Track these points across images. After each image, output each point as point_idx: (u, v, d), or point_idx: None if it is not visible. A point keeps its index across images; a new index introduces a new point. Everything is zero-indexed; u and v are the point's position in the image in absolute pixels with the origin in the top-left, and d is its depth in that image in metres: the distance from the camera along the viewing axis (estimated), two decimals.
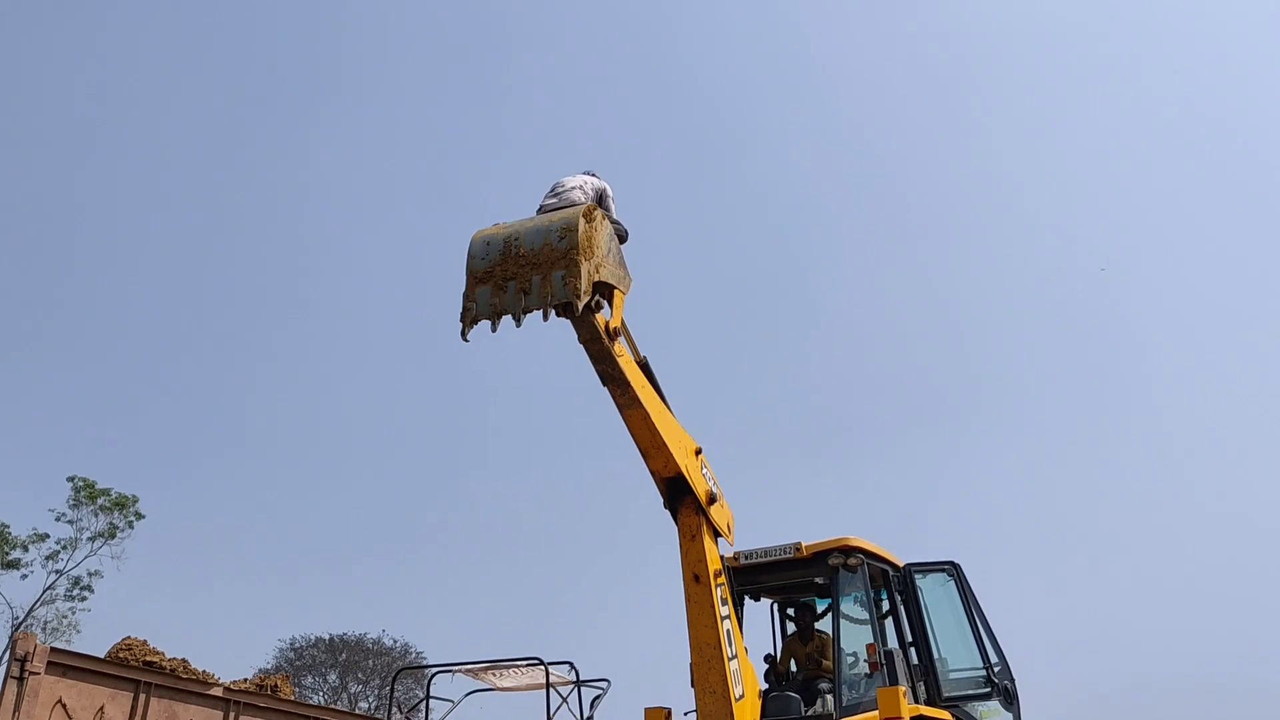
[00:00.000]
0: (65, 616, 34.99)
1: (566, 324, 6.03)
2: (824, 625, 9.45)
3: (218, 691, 8.50)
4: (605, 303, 6.27)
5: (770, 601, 10.01)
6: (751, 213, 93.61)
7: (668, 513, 7.07)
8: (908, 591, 9.25)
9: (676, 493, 6.96)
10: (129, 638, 8.80)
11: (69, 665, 7.50)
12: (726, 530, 7.36)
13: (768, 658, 9.45)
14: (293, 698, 9.85)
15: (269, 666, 37.29)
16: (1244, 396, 77.50)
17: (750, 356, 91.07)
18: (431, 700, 11.80)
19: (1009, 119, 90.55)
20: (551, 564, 74.56)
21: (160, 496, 72.01)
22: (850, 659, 8.75)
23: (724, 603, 6.95)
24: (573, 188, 6.92)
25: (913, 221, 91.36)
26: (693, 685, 6.94)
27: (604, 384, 6.43)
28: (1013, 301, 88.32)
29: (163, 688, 8.07)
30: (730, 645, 6.87)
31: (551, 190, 6.93)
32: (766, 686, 8.79)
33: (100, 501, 35.58)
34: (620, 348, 6.44)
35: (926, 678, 8.89)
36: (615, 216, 7.04)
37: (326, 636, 39.76)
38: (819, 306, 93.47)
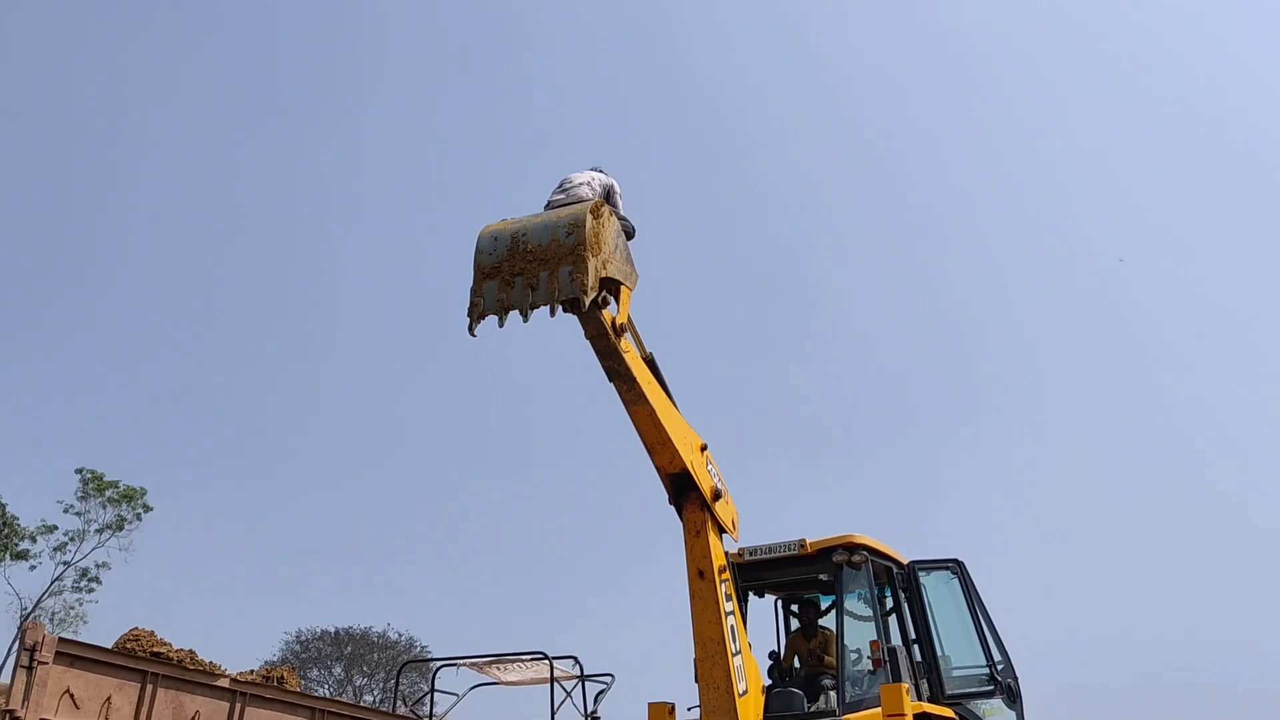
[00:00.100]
0: (73, 608, 35.17)
1: (573, 320, 6.04)
2: (827, 622, 9.46)
3: (224, 683, 8.54)
4: (612, 299, 6.28)
5: (774, 598, 10.03)
6: (756, 211, 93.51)
7: (673, 509, 7.08)
8: (911, 589, 9.25)
9: (682, 489, 6.97)
10: (136, 629, 8.83)
11: (77, 655, 7.54)
12: (731, 526, 7.37)
13: (772, 654, 9.47)
14: (298, 690, 9.89)
15: (275, 659, 37.41)
16: (1246, 395, 77.36)
17: (755, 353, 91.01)
18: (436, 694, 11.83)
19: (1008, 119, 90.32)
20: (557, 559, 74.70)
21: (168, 489, 72.34)
22: (854, 655, 8.76)
23: (728, 599, 6.96)
24: (580, 184, 6.92)
25: (915, 221, 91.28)
26: (696, 680, 6.95)
27: (610, 380, 6.43)
28: (1015, 301, 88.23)
29: (170, 678, 8.10)
30: (734, 641, 6.88)
31: (559, 186, 6.94)
32: (770, 682, 8.81)
33: (108, 494, 35.69)
34: (627, 344, 6.45)
35: (929, 675, 8.89)
36: (622, 213, 7.04)
37: (332, 630, 39.89)
38: (824, 304, 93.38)
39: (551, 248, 5.80)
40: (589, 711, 10.35)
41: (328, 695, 33.21)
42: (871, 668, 8.49)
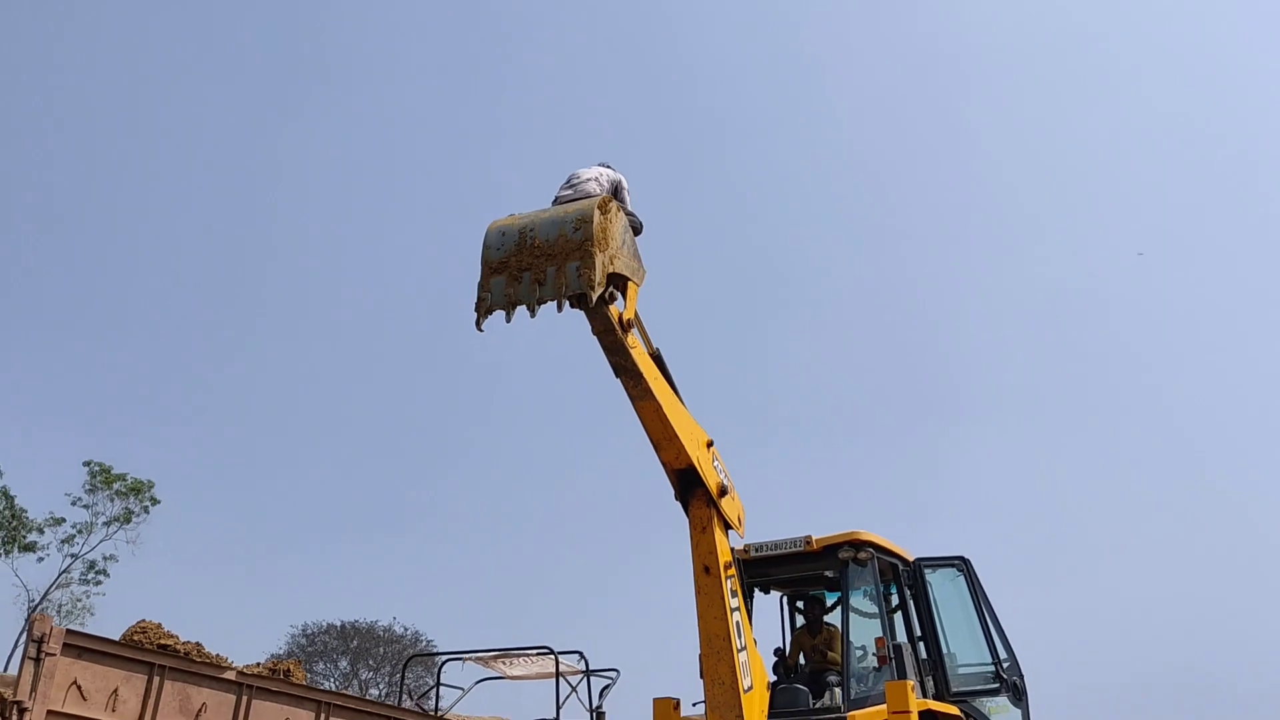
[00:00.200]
0: (80, 600, 35.34)
1: (580, 315, 6.03)
2: (832, 619, 9.47)
3: (231, 675, 8.55)
4: (619, 294, 6.28)
5: (780, 594, 10.03)
6: (762, 206, 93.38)
7: (679, 504, 7.08)
8: (917, 586, 9.25)
9: (688, 484, 6.96)
10: (143, 621, 8.86)
11: (84, 647, 7.55)
12: (737, 523, 7.37)
13: (777, 650, 9.47)
14: (305, 683, 9.92)
15: (281, 652, 37.50)
16: (1248, 392, 77.22)
17: (762, 349, 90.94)
18: (442, 687, 11.87)
19: (1009, 116, 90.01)
20: (562, 555, 74.80)
21: (176, 483, 72.54)
22: (859, 652, 8.76)
23: (734, 595, 6.96)
24: (588, 179, 6.92)
25: (920, 216, 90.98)
26: (701, 676, 6.95)
27: (617, 375, 6.43)
28: (1017, 298, 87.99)
29: (177, 670, 8.11)
30: (739, 637, 6.88)
31: (567, 181, 6.94)
32: (775, 679, 8.82)
33: (116, 487, 35.83)
34: (633, 339, 6.44)
35: (935, 672, 8.89)
36: (630, 208, 7.03)
37: (338, 623, 39.99)
38: (828, 299, 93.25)
39: (559, 243, 5.80)
40: (594, 706, 10.38)
41: (334, 689, 33.26)
42: (877, 664, 8.49)
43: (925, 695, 8.47)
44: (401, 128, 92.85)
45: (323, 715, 9.26)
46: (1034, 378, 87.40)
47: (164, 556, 56.83)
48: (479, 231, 6.11)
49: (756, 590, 9.51)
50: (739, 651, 6.81)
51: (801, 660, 9.42)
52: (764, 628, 9.45)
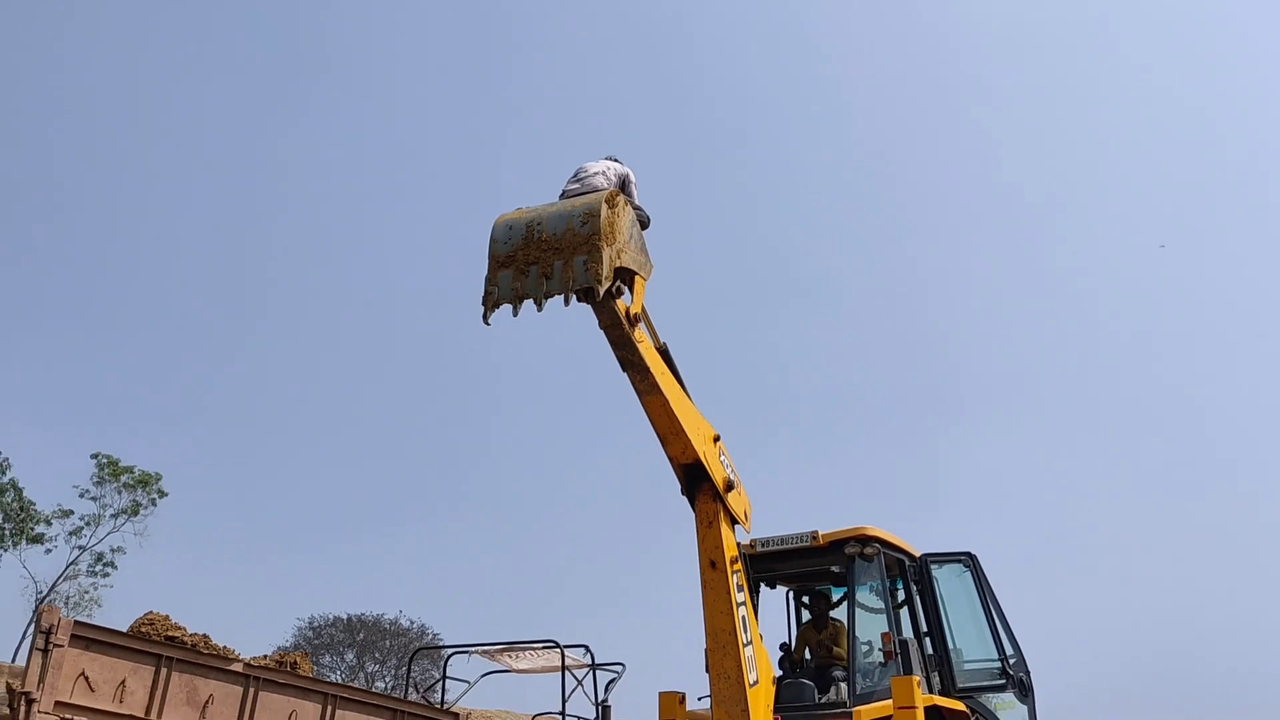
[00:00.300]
0: (88, 592, 35.44)
1: (587, 309, 6.03)
2: (838, 614, 9.46)
3: (238, 667, 8.58)
4: (626, 288, 6.27)
5: (786, 589, 10.03)
6: (770, 201, 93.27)
7: (685, 499, 7.08)
8: (924, 581, 9.24)
9: (694, 479, 6.96)
10: (151, 613, 8.88)
11: (92, 639, 7.58)
12: (743, 518, 7.37)
13: (783, 645, 9.48)
14: (311, 675, 9.94)
15: (288, 644, 37.62)
16: (1256, 386, 77.06)
17: (768, 344, 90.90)
18: (448, 681, 11.91)
19: (1017, 108, 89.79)
20: (568, 548, 74.92)
21: (183, 475, 72.78)
22: (865, 648, 8.76)
23: (740, 589, 6.95)
24: (596, 173, 6.91)
25: (928, 211, 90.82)
26: (707, 670, 6.96)
27: (624, 369, 6.42)
28: (1020, 294, 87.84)
29: (184, 662, 8.15)
30: (745, 631, 6.88)
31: (574, 175, 6.93)
32: (781, 673, 8.82)
33: (124, 479, 35.91)
34: (640, 334, 6.43)
35: (941, 668, 8.89)
36: (637, 203, 7.03)
37: (344, 616, 40.05)
38: (836, 294, 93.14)
39: (566, 237, 5.79)
40: (599, 700, 10.40)
41: (340, 681, 33.38)
42: (882, 660, 8.50)
43: (931, 691, 8.47)
44: (408, 121, 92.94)
45: (329, 707, 9.30)
46: (1037, 374, 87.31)
47: (171, 549, 57.15)
48: (485, 226, 6.12)
49: (762, 585, 9.51)
50: (745, 646, 6.81)
51: (807, 655, 9.42)
52: (770, 623, 9.46)
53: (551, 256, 5.79)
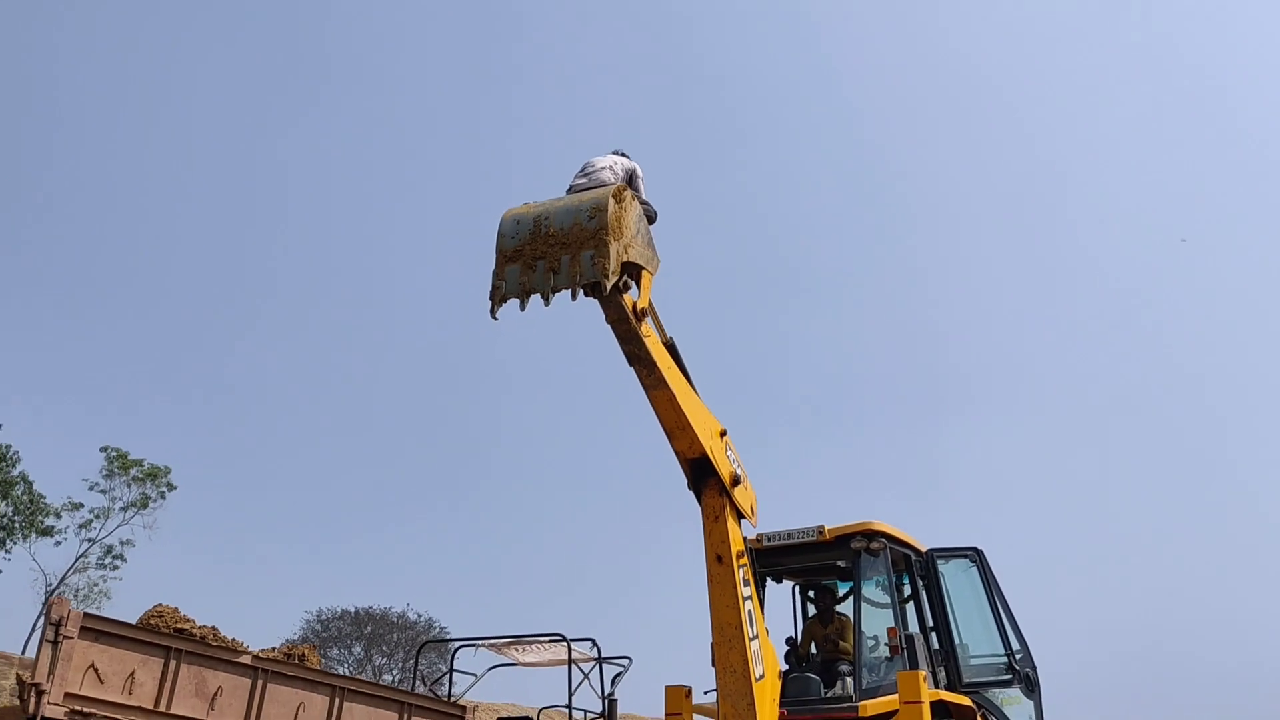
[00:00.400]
0: (97, 584, 35.55)
1: (594, 304, 6.03)
2: (844, 608, 9.47)
3: (246, 659, 8.63)
4: (633, 283, 6.27)
5: (792, 584, 10.04)
6: (778, 195, 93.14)
7: (691, 494, 7.08)
8: (930, 576, 9.24)
9: (700, 474, 6.96)
10: (160, 605, 8.93)
11: (101, 631, 7.63)
12: (750, 512, 7.37)
13: (789, 640, 9.49)
14: (319, 668, 9.99)
15: (296, 637, 37.69)
16: (1262, 383, 76.87)
17: (775, 338, 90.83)
18: (455, 674, 11.93)
19: (1018, 105, 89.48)
20: (575, 542, 74.98)
21: (192, 468, 73.00)
22: (871, 642, 8.77)
23: (746, 584, 6.96)
24: (603, 168, 6.91)
25: (931, 207, 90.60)
26: (713, 664, 6.97)
27: (630, 364, 6.43)
28: (1026, 290, 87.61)
29: (193, 654, 8.20)
30: (751, 625, 6.89)
31: (582, 170, 6.93)
32: (787, 668, 8.83)
33: (133, 472, 36.02)
34: (647, 328, 6.43)
35: (947, 663, 8.88)
36: (644, 197, 7.03)
37: (352, 609, 40.15)
38: (840, 289, 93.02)
39: (573, 231, 5.79)
40: (606, 694, 10.40)
41: (347, 674, 33.47)
42: (888, 655, 8.50)
43: (937, 686, 8.47)
44: (416, 115, 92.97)
45: (337, 700, 9.35)
46: (1039, 369, 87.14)
47: (180, 542, 57.23)
48: (493, 220, 6.12)
49: (769, 579, 9.52)
50: (751, 640, 6.82)
51: (813, 649, 9.43)
52: (776, 617, 9.47)
53: (559, 251, 5.80)
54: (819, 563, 9.27)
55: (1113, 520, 73.49)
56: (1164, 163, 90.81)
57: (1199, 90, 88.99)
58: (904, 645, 8.33)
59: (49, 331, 67.69)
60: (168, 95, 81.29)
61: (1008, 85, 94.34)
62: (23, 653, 27.17)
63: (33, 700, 7.00)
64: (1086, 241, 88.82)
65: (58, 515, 34.77)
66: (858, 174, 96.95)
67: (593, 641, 11.16)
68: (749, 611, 6.91)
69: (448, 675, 12.05)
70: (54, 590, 34.06)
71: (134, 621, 8.35)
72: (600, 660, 11.00)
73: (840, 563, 9.08)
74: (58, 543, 35.03)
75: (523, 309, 5.86)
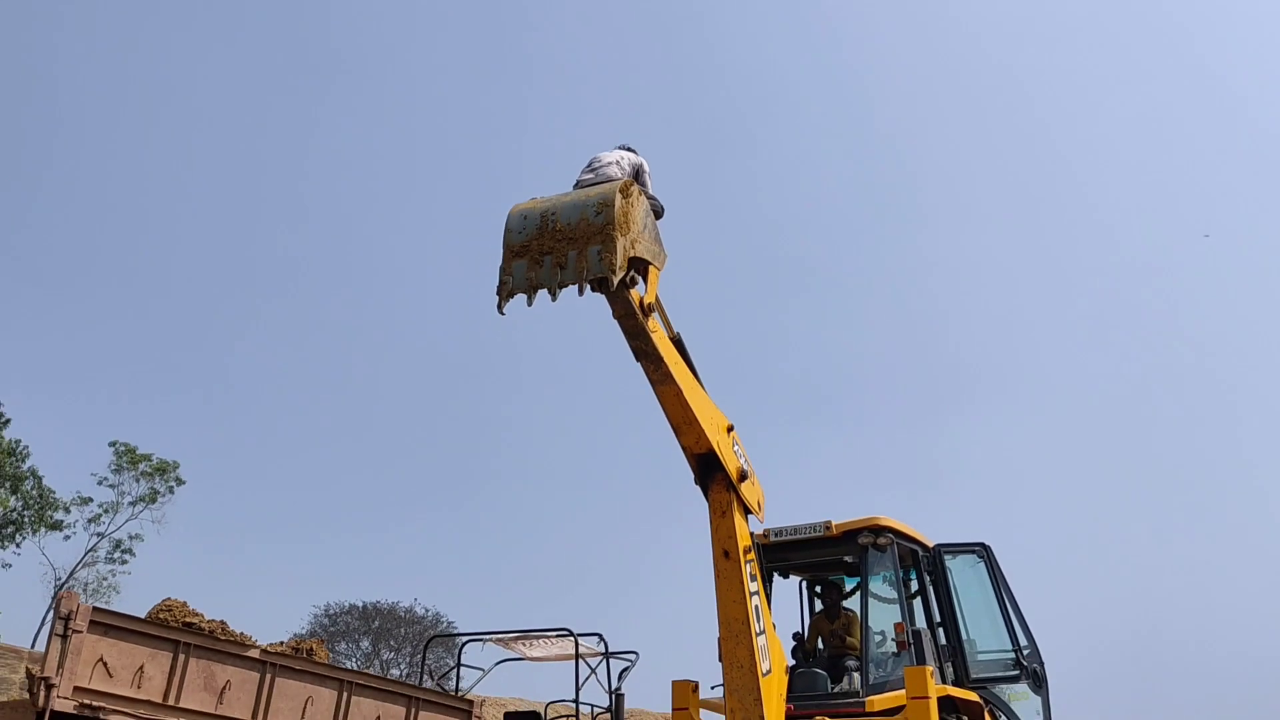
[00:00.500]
0: (106, 578, 35.73)
1: (601, 299, 6.03)
2: (851, 604, 9.46)
3: (255, 653, 8.64)
4: (640, 278, 6.27)
5: (799, 579, 10.04)
6: (784, 191, 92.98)
7: (699, 489, 7.09)
8: (937, 572, 9.22)
9: (708, 469, 6.96)
10: (169, 599, 8.95)
11: (110, 625, 7.65)
12: (757, 507, 7.37)
13: (796, 635, 9.48)
14: (327, 662, 10.01)
15: (304, 631, 37.83)
16: (1266, 379, 76.63)
17: (784, 334, 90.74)
18: (462, 668, 11.96)
19: (1018, 101, 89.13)
20: (582, 537, 75.07)
21: (201, 463, 73.19)
22: (878, 638, 8.77)
23: (753, 579, 6.96)
24: (610, 163, 6.91)
25: (938, 204, 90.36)
26: (720, 659, 6.98)
27: (637, 359, 6.43)
28: (1028, 288, 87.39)
29: (201, 648, 8.21)
30: (758, 621, 6.90)
31: (588, 165, 6.93)
32: (793, 663, 8.84)
33: (142, 467, 36.17)
34: (654, 323, 6.43)
35: (954, 658, 8.87)
36: (651, 192, 7.02)
37: (360, 604, 40.27)
38: (847, 284, 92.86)
39: (580, 227, 5.79)
40: (613, 688, 10.42)
41: (355, 668, 33.55)
42: (895, 650, 8.49)
43: (944, 681, 8.46)
44: (424, 112, 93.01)
45: (345, 694, 9.36)
46: (1042, 367, 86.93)
47: (189, 536, 57.57)
48: (500, 215, 6.12)
49: (776, 575, 9.51)
50: (758, 635, 6.83)
51: (820, 645, 9.43)
52: (783, 612, 9.47)
53: (566, 246, 5.79)
54: (826, 558, 9.26)
55: (1117, 515, 73.36)
56: (1171, 158, 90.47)
57: (1205, 85, 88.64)
58: (911, 641, 8.32)
59: (58, 327, 67.98)
60: (176, 93, 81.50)
61: (1013, 79, 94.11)
62: (32, 647, 27.32)
63: (42, 694, 7.02)
64: (1091, 236, 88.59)
65: (67, 510, 34.96)
66: (863, 169, 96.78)
67: (600, 636, 11.17)
68: (756, 607, 6.92)
69: (455, 670, 12.07)
70: (63, 584, 34.22)
71: (143, 616, 8.37)
72: (607, 655, 11.01)
73: (847, 558, 9.07)
74: (67, 537, 35.23)
75: (530, 304, 5.86)
